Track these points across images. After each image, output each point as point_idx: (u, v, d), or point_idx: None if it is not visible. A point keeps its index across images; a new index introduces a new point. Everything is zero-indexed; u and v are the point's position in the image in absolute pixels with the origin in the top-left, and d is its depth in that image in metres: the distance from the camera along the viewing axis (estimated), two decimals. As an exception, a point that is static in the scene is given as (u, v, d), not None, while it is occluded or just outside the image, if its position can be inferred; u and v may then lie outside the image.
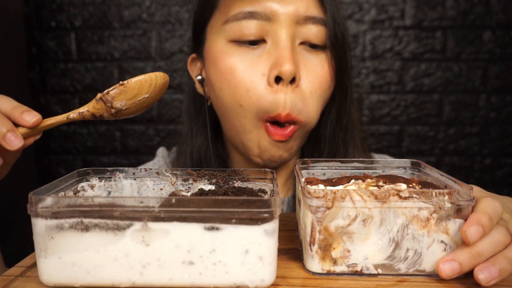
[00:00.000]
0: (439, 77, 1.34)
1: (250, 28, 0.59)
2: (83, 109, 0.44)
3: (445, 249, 0.38)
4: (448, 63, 1.33)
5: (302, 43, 0.61)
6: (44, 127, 0.44)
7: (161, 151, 0.81)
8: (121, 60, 1.36)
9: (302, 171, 0.49)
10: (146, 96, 0.44)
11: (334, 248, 0.38)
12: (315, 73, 0.61)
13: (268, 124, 0.60)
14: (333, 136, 0.69)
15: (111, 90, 0.43)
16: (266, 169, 0.46)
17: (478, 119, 1.36)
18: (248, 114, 0.60)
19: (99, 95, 0.43)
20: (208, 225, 0.35)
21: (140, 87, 0.43)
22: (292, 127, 0.60)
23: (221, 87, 0.61)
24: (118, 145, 1.41)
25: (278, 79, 0.58)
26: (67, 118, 0.44)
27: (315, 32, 0.60)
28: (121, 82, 0.43)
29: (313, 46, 0.61)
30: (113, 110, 0.44)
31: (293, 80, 0.58)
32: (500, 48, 1.32)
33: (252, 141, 0.62)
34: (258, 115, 0.59)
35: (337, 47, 0.62)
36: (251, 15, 0.59)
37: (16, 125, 0.43)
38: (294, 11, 0.59)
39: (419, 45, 1.33)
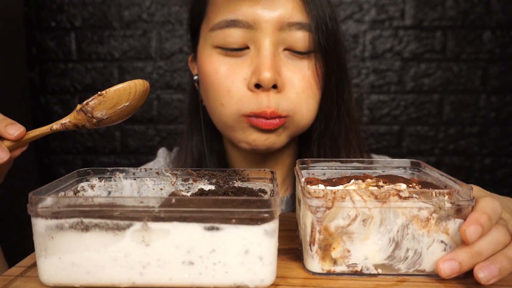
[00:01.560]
0: (439, 77, 1.34)
1: (233, 36, 0.60)
2: (65, 120, 0.44)
3: (445, 249, 0.38)
4: (448, 63, 1.33)
5: (286, 49, 0.61)
6: (28, 139, 0.45)
7: (161, 152, 0.82)
8: (121, 60, 1.36)
9: (302, 171, 0.49)
10: (127, 104, 0.44)
11: (334, 248, 0.38)
12: (300, 77, 0.61)
13: (252, 118, 0.60)
14: (321, 141, 0.68)
15: (90, 100, 0.43)
16: (266, 169, 0.46)
17: (478, 119, 1.36)
18: (228, 113, 0.61)
19: (78, 106, 0.43)
20: (208, 225, 0.35)
21: (119, 96, 0.43)
22: (280, 119, 0.60)
23: (207, 88, 0.63)
24: (118, 145, 1.41)
25: (258, 86, 0.59)
26: (50, 129, 0.44)
27: (299, 38, 0.60)
28: (99, 92, 0.43)
29: (297, 52, 0.61)
30: (94, 120, 0.44)
31: (275, 87, 0.59)
32: (500, 48, 1.32)
33: (236, 131, 0.63)
34: (239, 112, 0.60)
35: (321, 52, 0.61)
36: (234, 24, 0.59)
37: (2, 138, 0.44)
38: (277, 18, 0.59)
39: (419, 45, 1.33)
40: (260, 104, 0.59)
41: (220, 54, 0.62)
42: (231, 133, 0.63)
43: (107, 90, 0.43)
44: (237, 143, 0.64)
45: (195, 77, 0.71)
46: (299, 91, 0.61)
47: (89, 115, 0.43)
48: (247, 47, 0.61)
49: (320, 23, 0.60)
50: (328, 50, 0.62)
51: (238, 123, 0.61)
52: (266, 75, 0.57)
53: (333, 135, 0.68)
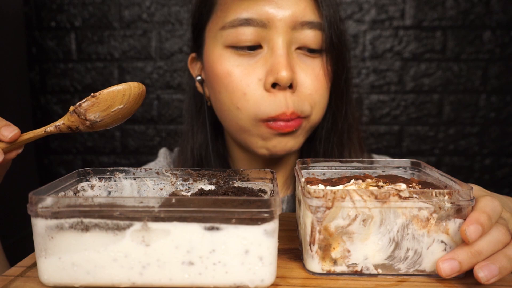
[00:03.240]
0: (439, 77, 1.34)
1: (247, 34, 0.59)
2: (59, 122, 0.44)
3: (445, 249, 0.38)
4: (448, 63, 1.33)
5: (298, 48, 0.61)
6: (23, 141, 0.44)
7: (163, 152, 0.82)
8: (121, 60, 1.36)
9: (302, 171, 0.49)
10: (121, 107, 0.43)
11: (334, 248, 0.38)
12: (313, 76, 0.61)
13: (270, 122, 0.60)
14: (328, 138, 0.69)
15: (83, 102, 0.42)
16: (266, 169, 0.46)
17: (478, 119, 1.36)
18: (245, 116, 0.60)
19: (71, 107, 0.43)
20: (208, 225, 0.34)
21: (112, 98, 0.42)
22: (299, 119, 0.60)
23: (219, 90, 0.62)
24: (118, 145, 1.41)
25: (274, 85, 0.59)
26: (44, 131, 0.44)
27: (311, 37, 0.60)
28: (92, 94, 0.42)
29: (310, 51, 0.61)
30: (87, 123, 0.43)
31: (290, 86, 0.59)
32: (500, 48, 1.32)
33: (253, 136, 0.62)
34: (257, 117, 0.60)
35: (333, 51, 0.62)
36: (247, 22, 0.59)
37: None
38: (290, 17, 0.58)
39: (419, 45, 1.33)
40: (277, 105, 0.58)
41: (232, 54, 0.60)
42: (248, 138, 0.63)
43: (100, 92, 0.42)
44: (255, 149, 0.63)
45: (198, 78, 0.70)
46: (312, 92, 0.61)
47: (82, 117, 0.43)
48: (260, 46, 0.60)
49: (332, 22, 0.61)
50: (338, 49, 0.62)
51: (256, 128, 0.61)
52: (284, 74, 0.57)
53: (339, 132, 0.69)
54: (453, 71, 1.34)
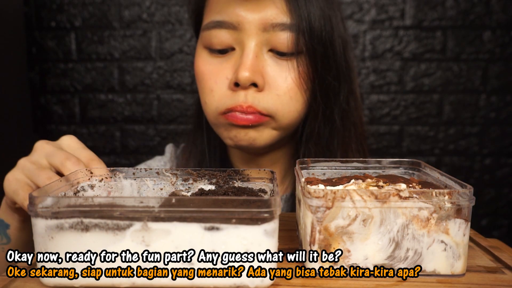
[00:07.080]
0: (439, 77, 1.34)
1: (218, 37, 0.61)
2: None
3: (445, 249, 0.38)
4: (448, 63, 1.33)
5: (270, 50, 0.61)
6: None
7: (168, 147, 0.84)
8: (121, 60, 1.36)
9: (302, 171, 0.49)
10: None
11: (334, 248, 0.38)
12: (283, 79, 0.61)
13: (227, 114, 0.61)
14: (306, 144, 0.67)
15: None
16: (266, 169, 0.46)
17: (478, 119, 1.36)
18: (209, 111, 0.64)
19: None
20: (208, 225, 0.34)
21: None
22: (258, 115, 0.60)
23: (197, 86, 0.66)
24: (118, 145, 1.41)
25: (237, 85, 0.60)
26: None
27: (282, 39, 0.59)
28: None
29: (279, 54, 0.61)
30: None
31: (255, 85, 0.60)
32: (500, 48, 1.32)
33: (219, 127, 0.65)
34: (218, 110, 0.62)
35: (306, 53, 0.60)
36: (219, 25, 0.61)
37: None
38: (260, 19, 0.59)
39: (419, 45, 1.33)
40: (235, 100, 0.60)
41: (207, 54, 0.64)
42: (217, 130, 0.66)
43: None
44: (223, 140, 0.66)
45: None
46: (280, 93, 0.61)
47: None
48: (233, 48, 0.62)
49: (305, 24, 0.60)
50: (313, 51, 0.61)
51: (219, 121, 0.63)
52: (244, 74, 0.58)
53: (320, 138, 0.66)
54: (453, 71, 1.34)
